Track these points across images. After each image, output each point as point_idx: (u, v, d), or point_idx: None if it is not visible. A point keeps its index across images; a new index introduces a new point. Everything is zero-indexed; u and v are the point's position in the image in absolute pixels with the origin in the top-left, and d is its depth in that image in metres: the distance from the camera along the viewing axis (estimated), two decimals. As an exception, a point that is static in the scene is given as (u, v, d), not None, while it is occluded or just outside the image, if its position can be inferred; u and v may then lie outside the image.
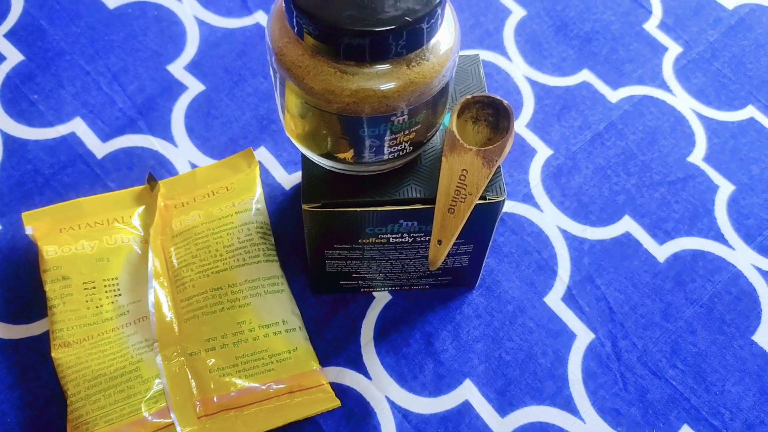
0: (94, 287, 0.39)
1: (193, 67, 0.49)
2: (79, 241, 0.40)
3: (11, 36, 0.50)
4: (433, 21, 0.28)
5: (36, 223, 0.41)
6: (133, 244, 0.41)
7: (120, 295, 0.39)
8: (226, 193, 0.42)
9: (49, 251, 0.40)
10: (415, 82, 0.29)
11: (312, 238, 0.36)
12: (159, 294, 0.39)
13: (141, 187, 0.43)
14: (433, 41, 0.29)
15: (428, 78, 0.29)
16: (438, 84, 0.30)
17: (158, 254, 0.40)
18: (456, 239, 0.35)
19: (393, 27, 0.27)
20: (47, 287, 0.39)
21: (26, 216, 0.41)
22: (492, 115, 0.34)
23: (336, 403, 0.37)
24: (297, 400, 0.37)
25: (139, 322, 0.38)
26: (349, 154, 0.32)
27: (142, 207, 0.42)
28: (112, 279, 0.39)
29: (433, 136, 0.34)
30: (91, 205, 0.42)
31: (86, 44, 0.50)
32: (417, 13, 0.27)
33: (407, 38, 0.28)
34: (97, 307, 0.38)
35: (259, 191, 0.43)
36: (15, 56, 0.49)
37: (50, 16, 0.51)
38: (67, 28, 0.50)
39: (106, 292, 0.39)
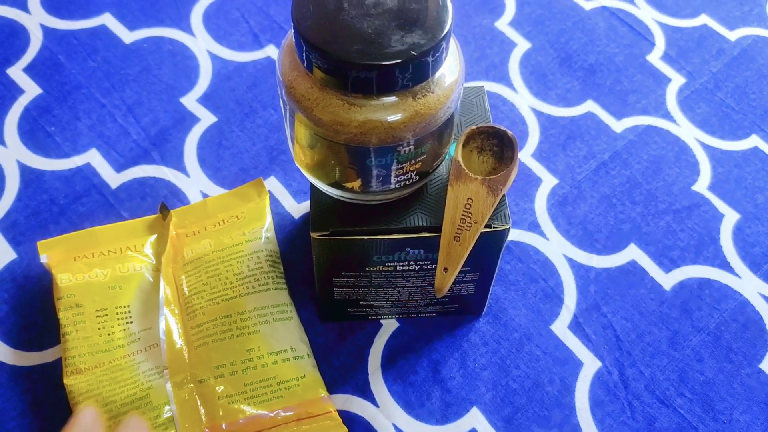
0: (107, 315, 0.40)
1: (206, 100, 0.51)
2: (92, 269, 0.41)
3: (30, 70, 0.51)
4: (437, 55, 0.29)
5: (51, 252, 0.42)
6: (145, 272, 0.41)
7: (131, 322, 0.40)
8: (237, 222, 0.43)
9: (63, 279, 0.40)
10: (421, 114, 0.30)
11: (320, 266, 0.37)
12: (170, 321, 0.39)
13: (154, 216, 0.44)
14: (438, 74, 0.30)
15: (433, 109, 0.30)
16: (443, 115, 0.31)
17: (169, 282, 0.41)
18: (462, 267, 0.35)
19: (399, 61, 0.28)
20: (60, 314, 0.40)
21: (41, 245, 0.42)
22: (497, 145, 0.35)
23: (344, 430, 0.38)
24: (305, 428, 0.37)
25: (149, 350, 0.39)
26: (356, 184, 0.33)
27: (155, 236, 0.43)
28: (124, 306, 0.40)
29: (438, 166, 0.35)
30: (104, 233, 0.43)
31: (102, 78, 0.51)
32: (422, 47, 0.28)
33: (413, 71, 0.29)
34: (109, 334, 0.39)
35: (269, 220, 0.43)
36: (33, 89, 0.51)
37: (68, 51, 0.52)
38: (84, 63, 0.52)
39: (118, 319, 0.40)
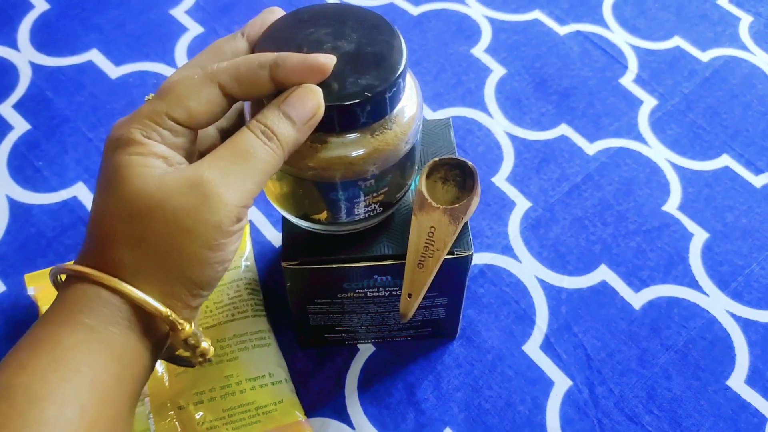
0: None
1: (189, 132, 0.52)
2: None
3: (19, 107, 0.53)
4: (391, 94, 0.30)
5: (38, 284, 0.43)
6: None
7: None
8: None
9: None
10: (380, 149, 0.32)
11: (293, 294, 0.38)
12: None
13: None
14: (396, 110, 0.32)
15: (392, 145, 0.32)
16: (403, 149, 0.33)
17: None
18: (429, 292, 0.36)
19: (355, 101, 0.29)
20: None
21: (29, 277, 0.43)
22: (459, 175, 0.36)
23: None
24: None
25: None
26: (323, 216, 0.34)
27: None
28: None
29: (402, 197, 0.36)
30: None
31: (89, 112, 0.53)
32: (376, 87, 0.30)
33: (370, 110, 0.30)
34: None
35: (248, 248, 0.45)
36: (22, 125, 0.52)
37: (56, 87, 0.54)
38: (71, 98, 0.54)
39: None
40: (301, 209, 0.35)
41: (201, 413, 0.39)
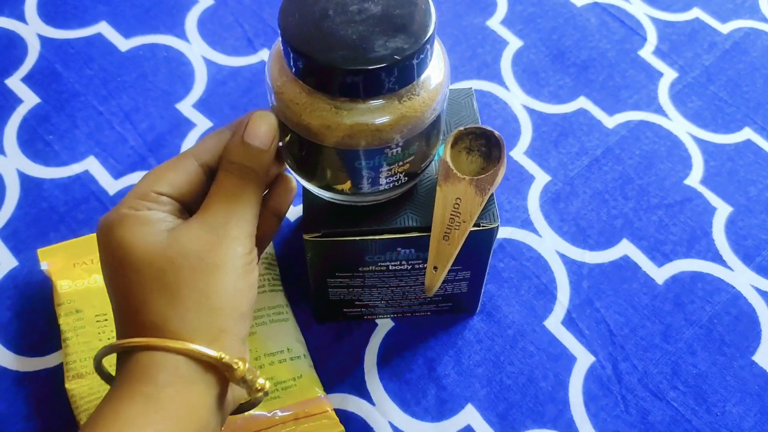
0: (106, 320, 0.40)
1: (201, 105, 0.51)
2: (92, 275, 0.42)
3: (28, 80, 0.52)
4: (421, 58, 0.29)
5: (51, 259, 0.42)
6: None
7: None
8: None
9: (63, 286, 0.41)
10: (407, 116, 0.31)
11: (314, 267, 0.38)
12: None
13: None
14: (423, 77, 0.31)
15: (419, 111, 0.31)
16: (429, 117, 0.32)
17: None
18: (452, 266, 0.36)
19: (383, 65, 0.28)
20: (61, 320, 0.40)
21: (42, 252, 0.43)
22: (484, 145, 0.35)
23: (340, 428, 0.38)
24: (302, 427, 0.38)
25: None
26: (347, 186, 0.34)
27: None
28: None
29: (427, 167, 0.35)
30: None
31: (99, 86, 0.52)
32: (405, 51, 0.29)
33: (397, 75, 0.29)
34: (108, 339, 0.40)
35: None
36: (32, 99, 0.51)
37: (65, 60, 0.53)
38: (81, 71, 0.53)
39: None
40: (323, 179, 0.34)
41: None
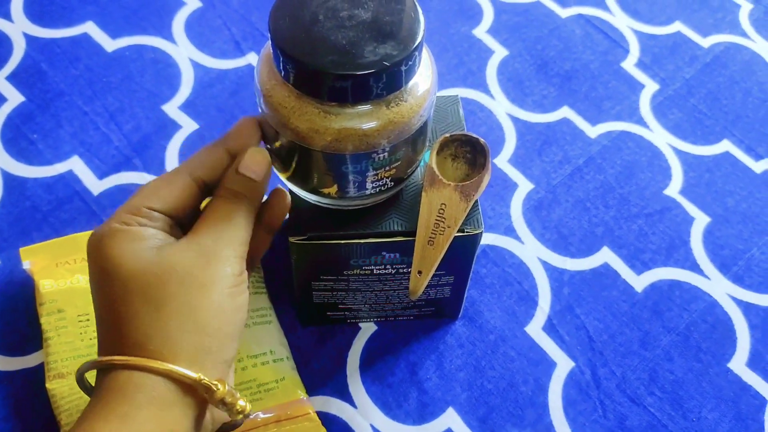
0: (88, 320, 0.40)
1: (188, 107, 0.51)
2: (74, 275, 0.41)
3: (13, 78, 0.52)
4: (410, 65, 0.30)
5: (33, 258, 0.42)
6: None
7: None
8: None
9: (45, 285, 0.41)
10: (395, 122, 0.31)
11: (299, 270, 0.38)
12: None
13: None
14: (411, 83, 0.31)
15: (406, 117, 0.31)
16: (416, 123, 0.32)
17: None
18: (436, 270, 0.36)
19: (372, 71, 0.29)
20: (43, 320, 0.40)
21: (24, 251, 0.42)
22: (470, 152, 0.36)
23: (322, 431, 0.38)
24: (284, 429, 0.38)
25: None
26: (333, 189, 0.34)
27: None
28: None
29: (413, 173, 0.36)
30: (86, 240, 0.43)
31: (85, 86, 0.52)
32: (394, 57, 0.29)
33: (386, 81, 0.30)
34: (90, 339, 0.40)
35: None
36: (16, 98, 0.51)
37: (50, 59, 0.53)
38: (66, 71, 0.52)
39: None
40: (310, 183, 0.34)
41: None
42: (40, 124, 0.50)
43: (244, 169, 0.32)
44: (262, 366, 0.39)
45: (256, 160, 0.32)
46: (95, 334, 0.40)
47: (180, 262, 0.29)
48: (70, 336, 0.40)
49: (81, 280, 0.41)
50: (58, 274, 0.42)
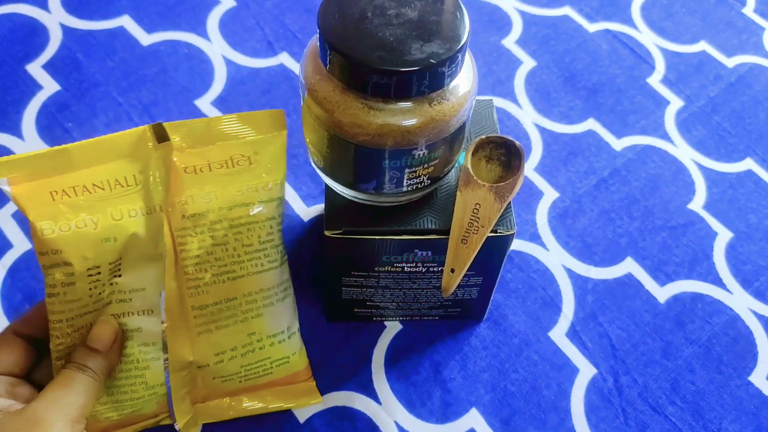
0: (99, 273, 0.34)
1: (220, 103, 0.52)
2: (79, 215, 0.33)
3: (49, 67, 0.53)
4: (454, 65, 0.31)
5: (13, 174, 0.32)
6: (141, 215, 0.34)
7: (120, 275, 0.34)
8: (249, 167, 0.35)
9: (45, 229, 0.32)
10: (435, 120, 0.32)
11: (331, 265, 0.38)
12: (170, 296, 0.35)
13: (140, 129, 0.34)
14: (453, 83, 0.32)
15: (447, 116, 0.32)
16: (456, 123, 0.33)
17: (167, 236, 0.34)
18: (467, 270, 0.36)
19: (418, 68, 0.29)
20: (47, 273, 0.33)
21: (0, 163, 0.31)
22: (504, 154, 0.36)
23: (312, 384, 0.40)
24: (278, 390, 0.39)
25: (143, 315, 0.35)
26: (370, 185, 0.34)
27: (144, 164, 0.34)
28: (116, 262, 0.34)
29: (449, 172, 0.36)
30: (80, 154, 0.33)
31: (120, 77, 0.53)
32: (440, 56, 0.30)
33: (430, 79, 0.30)
34: (99, 293, 0.34)
35: (283, 171, 0.37)
36: (52, 86, 0.52)
37: (86, 50, 0.54)
38: (102, 62, 0.53)
39: (110, 278, 0.34)
40: (348, 177, 0.35)
41: (220, 371, 0.38)
42: (75, 113, 0.51)
43: (91, 342, 0.34)
44: (279, 344, 0.38)
45: (104, 333, 0.34)
46: (105, 289, 0.34)
47: (7, 429, 0.31)
48: (78, 293, 0.34)
49: (88, 222, 0.33)
50: (58, 211, 0.32)
